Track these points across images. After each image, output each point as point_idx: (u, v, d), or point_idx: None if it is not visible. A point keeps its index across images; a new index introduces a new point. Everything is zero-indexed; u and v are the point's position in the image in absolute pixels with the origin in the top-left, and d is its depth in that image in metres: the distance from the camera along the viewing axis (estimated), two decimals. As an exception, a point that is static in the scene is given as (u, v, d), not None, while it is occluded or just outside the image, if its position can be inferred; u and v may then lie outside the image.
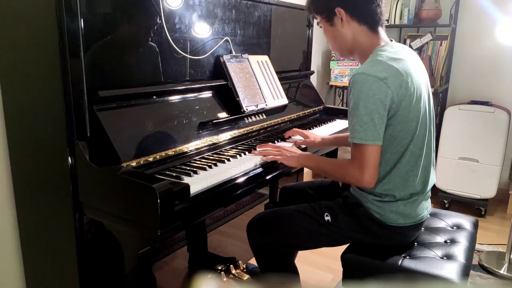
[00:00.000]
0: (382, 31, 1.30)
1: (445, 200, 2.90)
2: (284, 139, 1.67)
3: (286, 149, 1.43)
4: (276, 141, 1.63)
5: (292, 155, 1.40)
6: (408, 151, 1.23)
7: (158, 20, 1.34)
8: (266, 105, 1.72)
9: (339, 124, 2.04)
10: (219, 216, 1.86)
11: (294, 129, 1.71)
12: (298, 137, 1.69)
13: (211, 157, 1.38)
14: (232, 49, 1.68)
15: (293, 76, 2.12)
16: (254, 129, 1.66)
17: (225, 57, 1.60)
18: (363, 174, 1.18)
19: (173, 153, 1.27)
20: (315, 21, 1.38)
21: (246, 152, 1.43)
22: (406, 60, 1.22)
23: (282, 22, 2.01)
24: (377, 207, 1.27)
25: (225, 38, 1.64)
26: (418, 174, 1.27)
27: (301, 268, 1.54)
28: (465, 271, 1.23)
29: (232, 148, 1.50)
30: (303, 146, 1.63)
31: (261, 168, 1.37)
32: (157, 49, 1.35)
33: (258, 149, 1.44)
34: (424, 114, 1.24)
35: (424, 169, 1.28)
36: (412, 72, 1.20)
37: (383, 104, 1.15)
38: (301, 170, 2.33)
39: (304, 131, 1.69)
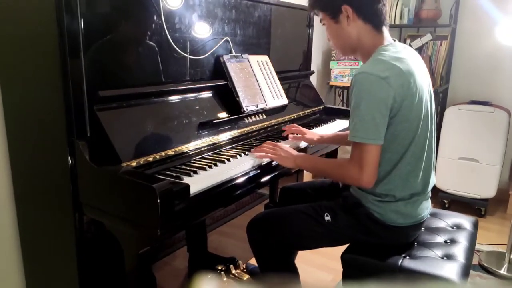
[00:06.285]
0: (386, 30, 1.30)
1: (445, 200, 2.90)
2: (283, 138, 1.67)
3: (282, 149, 1.40)
4: (276, 141, 1.62)
5: (288, 156, 1.38)
6: (409, 151, 1.23)
7: (158, 20, 1.34)
8: (266, 105, 1.72)
9: (339, 124, 2.04)
10: (219, 216, 1.86)
11: (292, 124, 1.70)
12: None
13: (211, 157, 1.38)
14: (232, 49, 1.67)
15: (293, 76, 2.12)
16: (254, 129, 1.66)
17: (225, 57, 1.60)
18: (363, 174, 1.17)
19: (173, 153, 1.27)
20: (318, 18, 1.36)
21: (246, 152, 1.43)
22: (409, 59, 1.21)
23: (282, 22, 2.01)
24: (377, 207, 1.27)
25: (225, 38, 1.63)
26: (419, 175, 1.26)
27: (301, 268, 1.54)
28: (465, 271, 1.23)
29: (232, 148, 1.50)
30: (302, 146, 1.63)
31: (261, 168, 1.37)
32: (157, 49, 1.35)
33: (254, 151, 1.42)
34: (426, 114, 1.24)
35: (425, 170, 1.28)
36: (415, 72, 1.20)
37: (385, 103, 1.14)
38: (301, 170, 2.33)
39: (302, 128, 1.68)
